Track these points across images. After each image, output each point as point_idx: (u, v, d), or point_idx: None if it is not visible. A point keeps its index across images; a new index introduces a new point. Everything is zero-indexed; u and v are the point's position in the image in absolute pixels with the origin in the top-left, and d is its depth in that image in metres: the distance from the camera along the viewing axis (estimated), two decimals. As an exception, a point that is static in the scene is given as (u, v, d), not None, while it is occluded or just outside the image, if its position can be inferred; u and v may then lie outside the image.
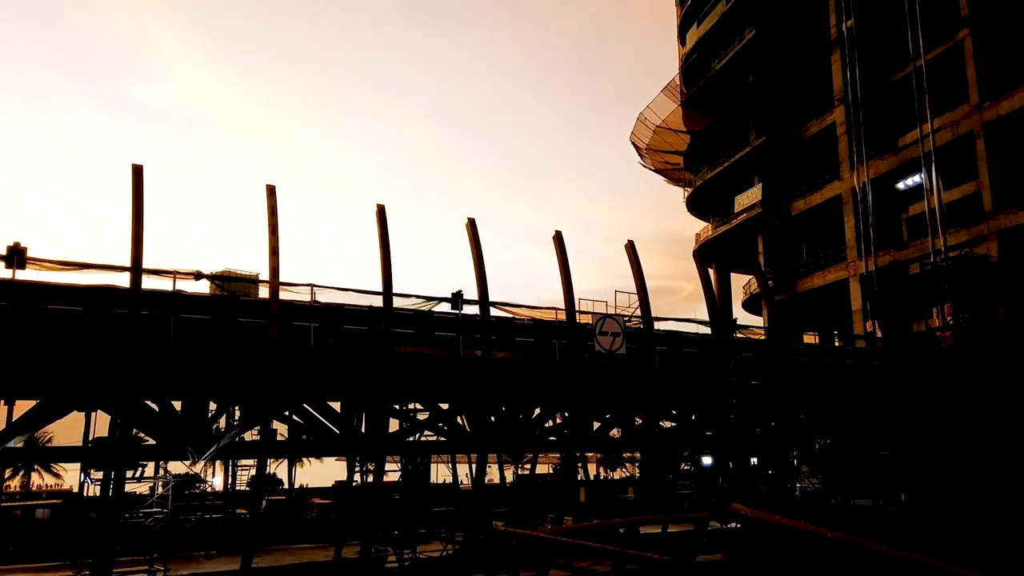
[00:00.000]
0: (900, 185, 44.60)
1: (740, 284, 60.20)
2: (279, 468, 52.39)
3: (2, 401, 20.04)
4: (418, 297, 22.76)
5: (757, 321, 55.14)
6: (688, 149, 61.57)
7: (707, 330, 28.43)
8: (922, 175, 41.38)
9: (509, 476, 41.48)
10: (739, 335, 30.67)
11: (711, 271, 54.67)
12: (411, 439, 23.68)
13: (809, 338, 52.86)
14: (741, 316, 56.20)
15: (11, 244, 17.42)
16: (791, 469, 32.73)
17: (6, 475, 40.87)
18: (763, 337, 32.14)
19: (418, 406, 24.20)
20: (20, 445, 20.21)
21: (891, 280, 42.69)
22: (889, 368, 33.84)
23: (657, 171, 68.67)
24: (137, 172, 18.47)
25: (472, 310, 23.04)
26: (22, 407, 21.70)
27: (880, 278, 42.61)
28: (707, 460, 34.95)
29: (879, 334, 40.38)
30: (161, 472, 29.39)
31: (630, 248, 26.15)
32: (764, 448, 30.66)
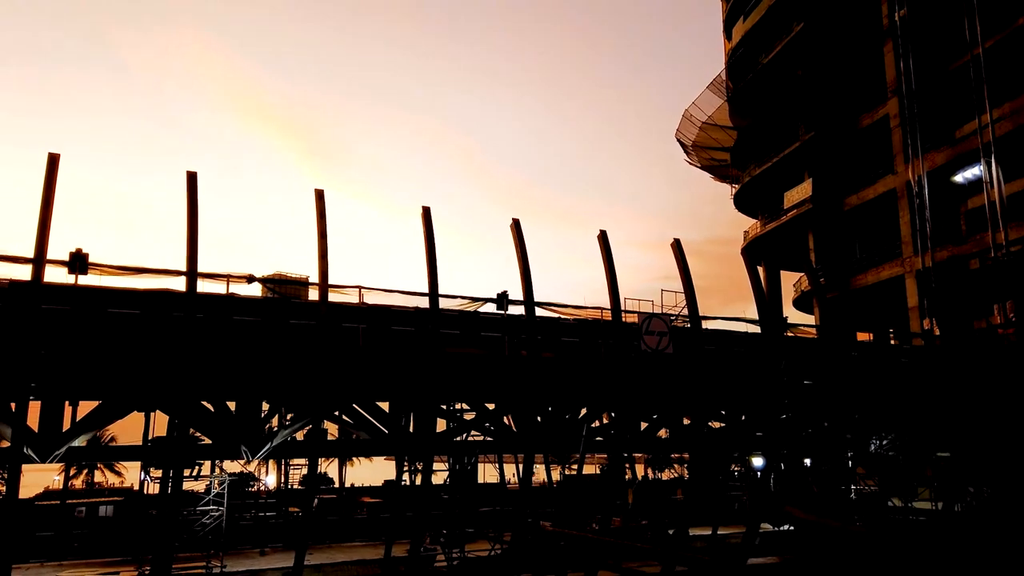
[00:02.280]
0: (958, 178, 43.16)
1: (790, 282, 59.05)
2: (330, 467, 53.29)
3: (67, 402, 20.84)
4: (464, 298, 22.90)
5: (808, 319, 54.01)
6: (735, 145, 60.60)
7: (756, 329, 27.95)
8: (981, 167, 39.97)
9: (556, 476, 41.42)
10: (789, 334, 30.07)
11: (760, 269, 53.71)
12: (458, 439, 23.85)
13: (863, 336, 51.57)
14: (791, 315, 55.19)
15: (73, 250, 18.09)
16: (846, 471, 31.92)
17: (71, 473, 42.45)
18: (814, 336, 31.44)
19: (465, 406, 24.35)
20: (84, 444, 20.96)
21: (949, 276, 41.35)
22: (949, 367, 32.76)
23: (703, 168, 67.77)
24: (191, 179, 19.01)
25: (517, 310, 23.10)
26: (85, 408, 22.53)
27: (938, 274, 41.31)
28: (758, 462, 34.36)
29: (937, 332, 39.15)
30: (217, 471, 30.21)
31: (676, 246, 25.87)
32: (817, 449, 29.99)
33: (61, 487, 39.99)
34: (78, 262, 17.97)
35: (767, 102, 55.60)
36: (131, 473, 51.44)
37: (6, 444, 19.00)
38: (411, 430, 22.91)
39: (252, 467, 46.47)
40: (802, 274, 55.98)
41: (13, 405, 17.73)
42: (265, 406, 21.64)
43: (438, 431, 22.46)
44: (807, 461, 31.31)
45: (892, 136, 45.54)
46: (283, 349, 19.65)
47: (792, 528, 30.47)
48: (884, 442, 32.58)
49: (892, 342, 51.53)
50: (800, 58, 52.35)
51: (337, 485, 50.02)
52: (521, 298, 22.71)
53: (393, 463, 28.13)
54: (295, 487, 42.07)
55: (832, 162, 51.20)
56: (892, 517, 32.28)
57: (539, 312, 23.13)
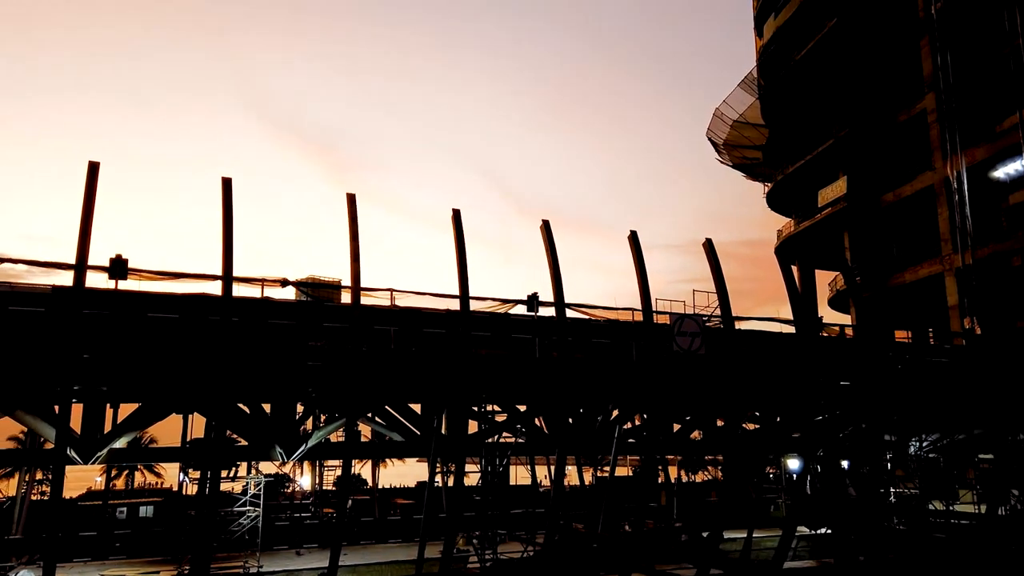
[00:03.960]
0: (998, 173, 42.10)
1: (824, 282, 58.18)
2: (363, 469, 53.72)
3: (108, 405, 21.32)
4: (494, 300, 22.96)
5: (844, 319, 53.12)
6: (767, 143, 59.87)
7: (791, 329, 27.58)
8: (1023, 162, 38.97)
9: (588, 478, 41.29)
10: (824, 334, 29.62)
11: (794, 269, 53.02)
12: (490, 441, 23.89)
13: (901, 336, 50.52)
14: (827, 314, 54.33)
15: (114, 256, 18.52)
16: (885, 473, 31.32)
17: (112, 474, 43.39)
18: (851, 335, 30.91)
19: (496, 408, 24.40)
20: (124, 446, 21.42)
21: (990, 274, 40.35)
22: (991, 366, 31.95)
23: (735, 167, 67.07)
24: (226, 185, 19.34)
25: (548, 312, 23.07)
26: (126, 410, 23.00)
27: (978, 272, 40.34)
28: (794, 464, 33.86)
29: (979, 331, 38.23)
30: (253, 472, 30.65)
31: (708, 246, 25.64)
32: (855, 451, 29.48)
33: (103, 488, 40.89)
34: (118, 268, 18.37)
35: (800, 99, 54.82)
36: (170, 474, 52.42)
37: (50, 446, 19.51)
38: (443, 432, 23.03)
39: (287, 469, 47.10)
40: (837, 273, 55.09)
41: (56, 408, 18.20)
42: (300, 408, 21.92)
43: (470, 433, 22.53)
44: (845, 464, 30.78)
45: (930, 132, 44.60)
46: (316, 351, 19.88)
47: (830, 532, 29.97)
48: (924, 444, 31.92)
49: (931, 342, 50.44)
50: (834, 54, 51.51)
51: (371, 486, 50.42)
52: (551, 300, 22.69)
53: (425, 464, 28.28)
54: (329, 488, 42.52)
55: (867, 159, 50.29)
56: (933, 521, 31.60)
57: (569, 314, 23.09)
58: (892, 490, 32.35)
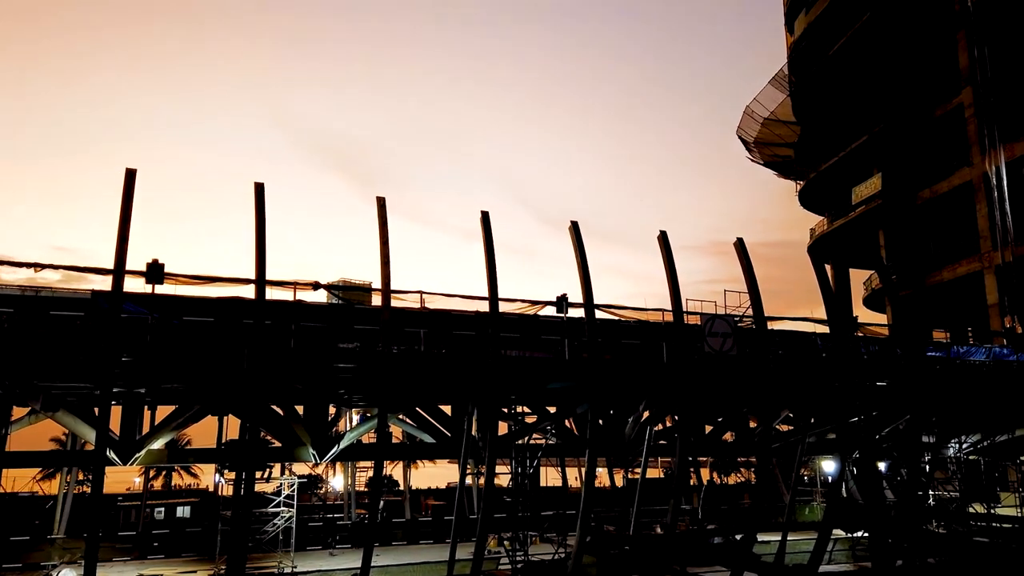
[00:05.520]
0: (1039, 168, 41.08)
1: (859, 281, 57.22)
2: (394, 470, 54.05)
3: (146, 407, 21.76)
4: (523, 301, 22.97)
5: (880, 319, 52.15)
6: (799, 140, 59.06)
7: (824, 329, 27.18)
8: (1065, 156, 37.97)
9: (619, 480, 41.06)
10: (859, 334, 29.13)
11: (827, 268, 52.25)
12: (520, 442, 23.91)
13: (939, 335, 49.49)
14: (862, 314, 53.43)
15: (150, 261, 18.89)
16: (923, 475, 30.71)
17: (150, 475, 44.20)
18: (886, 335, 30.38)
19: (526, 409, 24.41)
20: (161, 447, 21.84)
21: (1032, 271, 39.35)
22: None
23: (766, 165, 66.26)
24: (259, 190, 19.62)
25: (576, 313, 23.02)
26: (163, 412, 23.43)
27: (1019, 270, 39.35)
28: (829, 465, 33.34)
29: (1020, 329, 37.30)
30: (287, 474, 30.99)
31: (739, 246, 25.37)
32: (892, 452, 28.95)
33: (141, 489, 41.66)
34: (155, 272, 18.74)
35: (833, 95, 54.01)
36: (207, 475, 53.24)
37: (90, 447, 19.97)
38: (473, 433, 23.10)
39: (320, 470, 47.57)
40: (872, 272, 54.17)
41: (96, 410, 18.61)
42: (332, 409, 22.14)
43: (500, 434, 22.55)
44: (882, 465, 30.24)
45: (967, 127, 43.65)
46: (348, 353, 20.06)
47: (867, 535, 29.45)
48: (964, 445, 31.24)
49: (970, 341, 49.30)
50: (867, 49, 50.66)
51: (402, 487, 50.75)
52: (580, 301, 22.62)
53: (456, 466, 28.39)
54: (361, 489, 42.87)
55: (902, 155, 49.37)
56: (973, 524, 30.90)
57: (598, 315, 23.01)
58: (931, 492, 31.70)
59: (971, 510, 31.52)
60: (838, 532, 29.74)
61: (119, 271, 17.55)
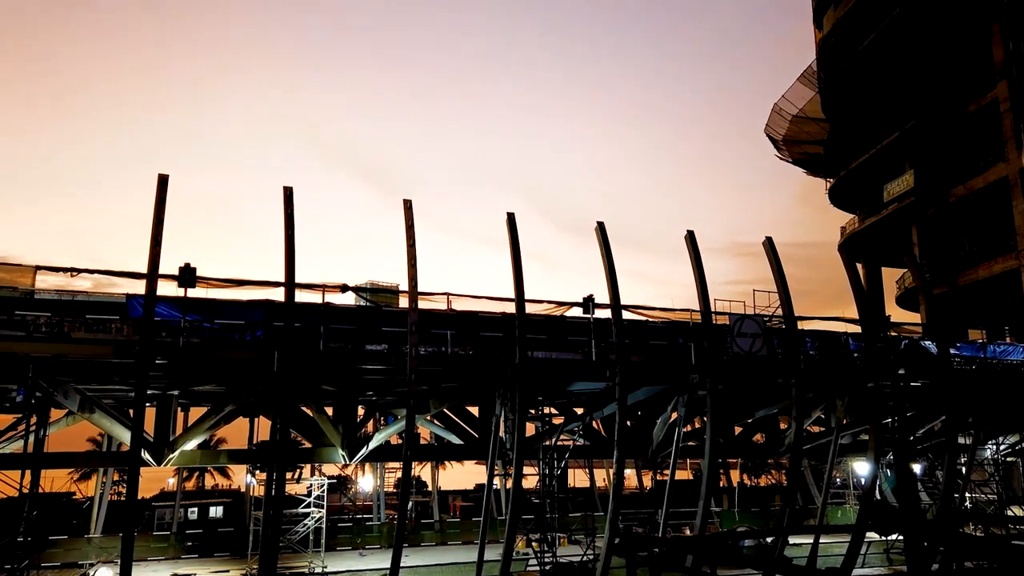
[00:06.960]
0: (1079, 163, 40.08)
1: (891, 279, 56.25)
2: (423, 471, 54.33)
3: (179, 408, 22.11)
4: (549, 302, 22.95)
5: (914, 318, 51.24)
6: (829, 138, 58.22)
7: (856, 329, 26.77)
8: (1106, 150, 36.96)
9: (648, 481, 40.84)
10: (892, 333, 28.65)
11: (859, 267, 51.47)
12: (548, 443, 23.89)
13: (975, 335, 48.49)
14: (895, 313, 52.52)
15: (182, 265, 19.22)
16: (959, 477, 30.11)
17: (184, 475, 44.94)
18: (920, 334, 29.84)
19: (554, 411, 24.37)
20: (194, 448, 22.19)
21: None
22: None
23: (795, 163, 65.47)
24: (288, 194, 19.87)
25: (603, 314, 22.94)
26: (195, 414, 23.76)
27: (1058, 267, 38.43)
28: (862, 467, 32.82)
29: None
30: (316, 475, 31.27)
31: (768, 245, 25.09)
32: (928, 454, 28.43)
33: (175, 489, 42.38)
34: (187, 275, 19.05)
35: (863, 91, 53.19)
36: (238, 476, 53.97)
37: (126, 448, 20.35)
38: (501, 434, 23.13)
39: (349, 471, 47.95)
40: (905, 270, 53.23)
41: (131, 411, 18.96)
42: (361, 410, 22.31)
43: (528, 435, 22.55)
44: (917, 467, 29.71)
45: (1002, 121, 42.72)
46: (376, 354, 20.21)
47: (901, 538, 28.95)
48: (1003, 447, 30.56)
49: (1008, 340, 48.25)
50: (898, 43, 49.84)
51: (430, 489, 51.00)
52: (607, 302, 22.54)
53: (484, 467, 28.44)
54: (390, 490, 43.17)
55: (935, 151, 48.46)
56: (1012, 527, 30.21)
57: (626, 315, 22.91)
58: (967, 495, 31.06)
59: (1009, 513, 30.82)
60: (871, 535, 29.27)
61: (152, 274, 17.90)
